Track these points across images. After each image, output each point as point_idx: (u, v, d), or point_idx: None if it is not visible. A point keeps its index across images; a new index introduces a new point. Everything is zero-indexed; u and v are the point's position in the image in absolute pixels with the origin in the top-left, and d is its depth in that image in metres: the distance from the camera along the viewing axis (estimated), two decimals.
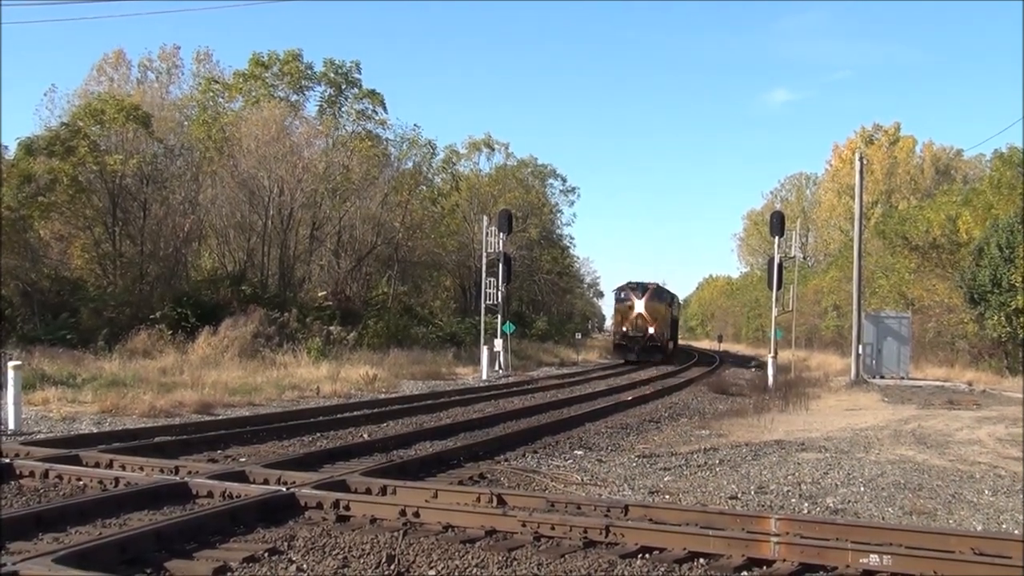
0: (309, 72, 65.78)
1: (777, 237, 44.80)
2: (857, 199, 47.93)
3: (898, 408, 29.56)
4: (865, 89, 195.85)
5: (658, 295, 66.10)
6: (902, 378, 46.24)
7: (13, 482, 12.45)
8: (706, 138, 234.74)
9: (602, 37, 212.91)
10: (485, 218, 50.23)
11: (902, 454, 18.62)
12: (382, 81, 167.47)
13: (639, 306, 63.98)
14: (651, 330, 63.41)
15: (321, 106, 66.17)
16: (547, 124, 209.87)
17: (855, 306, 46.24)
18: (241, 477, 12.61)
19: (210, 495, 11.52)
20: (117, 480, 12.28)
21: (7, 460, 13.15)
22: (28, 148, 43.59)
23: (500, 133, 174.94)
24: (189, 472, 12.91)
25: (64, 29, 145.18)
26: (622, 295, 66.22)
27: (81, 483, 12.40)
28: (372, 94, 66.64)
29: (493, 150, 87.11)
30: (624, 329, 64.40)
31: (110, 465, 13.61)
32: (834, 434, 22.10)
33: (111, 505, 10.80)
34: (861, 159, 49.20)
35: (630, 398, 31.69)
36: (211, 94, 64.33)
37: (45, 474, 12.66)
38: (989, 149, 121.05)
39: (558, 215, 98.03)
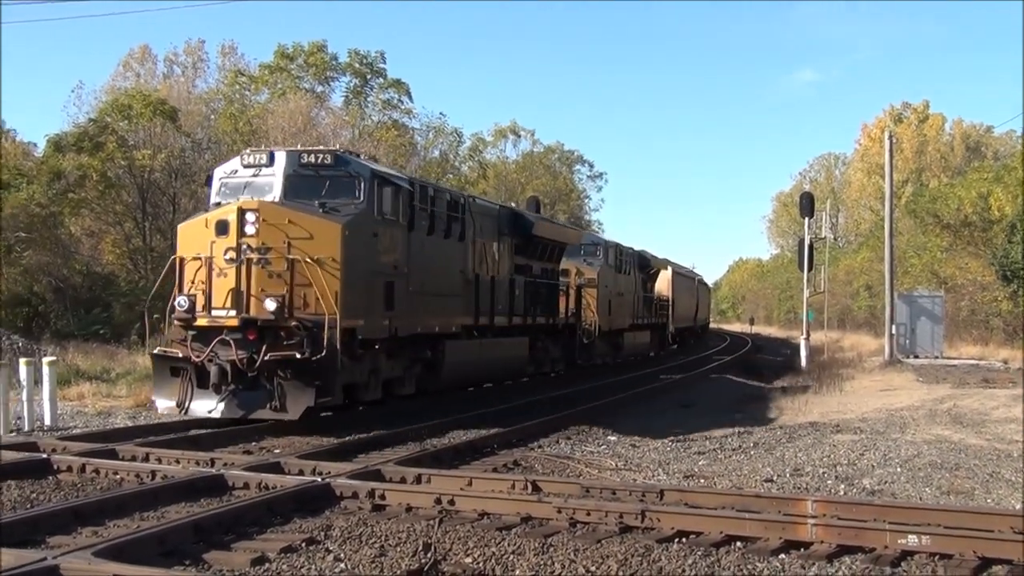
0: (334, 63, 65.80)
1: (807, 218, 44.59)
2: (887, 178, 47.61)
3: (933, 388, 29.40)
4: (893, 67, 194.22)
5: (347, 185, 18.83)
6: (936, 357, 45.93)
7: (51, 477, 12.54)
8: (733, 121, 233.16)
9: (625, 20, 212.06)
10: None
11: (938, 434, 18.52)
12: (407, 70, 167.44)
13: (248, 219, 17.58)
14: (273, 301, 17.21)
15: (347, 96, 66.18)
16: (571, 110, 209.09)
17: (887, 286, 45.95)
18: (276, 468, 12.66)
19: (246, 487, 11.56)
20: (154, 473, 12.34)
21: (44, 455, 13.24)
22: (57, 145, 43.92)
23: (526, 120, 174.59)
24: (225, 464, 12.97)
25: (89, 26, 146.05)
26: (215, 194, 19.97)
27: (118, 477, 12.47)
28: (397, 83, 66.63)
29: (519, 137, 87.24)
30: (183, 302, 17.76)
31: (146, 459, 13.68)
32: (869, 415, 22.02)
33: (148, 498, 10.86)
34: (890, 138, 48.87)
35: (663, 382, 31.67)
36: (237, 87, 64.48)
37: (82, 468, 12.73)
38: (1020, 125, 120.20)
39: (586, 201, 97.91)
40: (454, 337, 22.71)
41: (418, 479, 12.03)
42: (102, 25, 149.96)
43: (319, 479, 11.71)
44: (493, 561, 8.81)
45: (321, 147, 21.94)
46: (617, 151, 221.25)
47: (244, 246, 17.42)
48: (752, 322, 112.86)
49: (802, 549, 9.28)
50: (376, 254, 18.91)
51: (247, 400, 17.48)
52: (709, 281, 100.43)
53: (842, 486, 13.28)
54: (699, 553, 9.06)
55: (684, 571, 8.58)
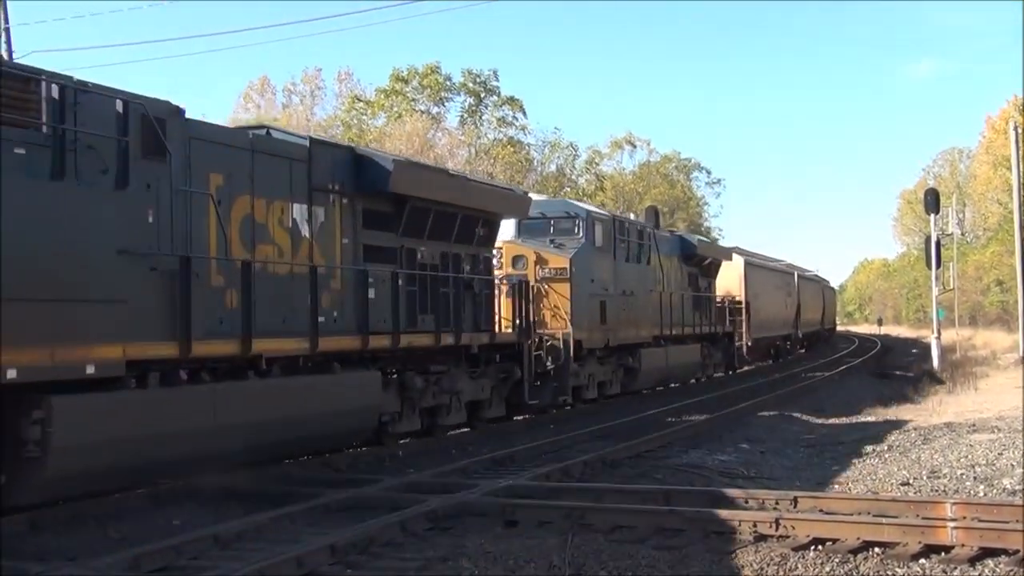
0: (448, 83, 66.48)
1: (933, 215, 43.76)
2: (1014, 169, 46.40)
3: None
4: (1016, 56, 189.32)
5: None
6: None
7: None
8: (854, 118, 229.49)
9: (738, 19, 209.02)
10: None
11: None
12: (520, 86, 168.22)
13: None
14: None
15: (462, 116, 66.77)
16: (688, 117, 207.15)
17: (1019, 280, 44.77)
18: (408, 487, 12.79)
19: (379, 506, 11.68)
20: None
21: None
22: None
23: (641, 130, 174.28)
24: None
25: (209, 61, 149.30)
26: None
27: None
28: (511, 100, 67.11)
29: (635, 147, 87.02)
30: None
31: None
32: (1006, 413, 21.48)
33: (285, 521, 11.02)
34: (1016, 128, 47.64)
35: (789, 389, 31.33)
36: (355, 112, 65.40)
37: None
38: None
39: (705, 208, 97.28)
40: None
41: (549, 494, 12.06)
42: (221, 59, 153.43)
43: (450, 497, 11.80)
44: (628, 574, 8.79)
45: None
46: (736, 157, 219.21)
47: None
48: (880, 323, 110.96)
49: (943, 553, 9.11)
50: None
51: None
52: (834, 283, 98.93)
53: (981, 487, 12.99)
54: (836, 560, 8.95)
55: None
